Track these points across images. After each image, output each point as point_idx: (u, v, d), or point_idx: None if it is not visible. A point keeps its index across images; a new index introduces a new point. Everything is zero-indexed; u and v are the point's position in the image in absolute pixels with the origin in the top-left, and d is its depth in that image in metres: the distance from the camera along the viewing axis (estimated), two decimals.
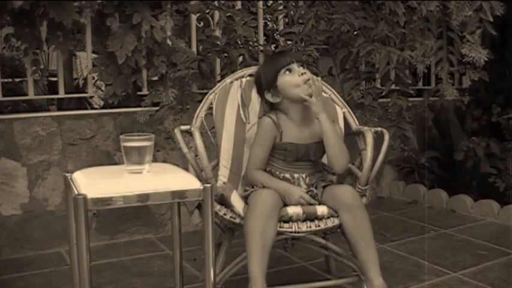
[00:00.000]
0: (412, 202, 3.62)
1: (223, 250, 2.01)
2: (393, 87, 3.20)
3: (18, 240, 2.68)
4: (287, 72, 2.03)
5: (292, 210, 1.91)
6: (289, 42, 3.16)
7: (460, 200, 3.37)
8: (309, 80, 1.99)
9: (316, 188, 2.03)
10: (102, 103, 3.44)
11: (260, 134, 2.05)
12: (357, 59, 3.14)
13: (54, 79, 3.20)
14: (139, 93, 2.91)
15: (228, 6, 3.03)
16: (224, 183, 2.09)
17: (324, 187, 2.02)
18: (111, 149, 2.88)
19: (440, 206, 3.46)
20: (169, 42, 2.77)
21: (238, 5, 3.17)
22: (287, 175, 2.04)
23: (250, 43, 3.09)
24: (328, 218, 1.94)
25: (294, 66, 2.03)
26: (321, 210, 1.94)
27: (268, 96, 2.07)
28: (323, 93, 2.28)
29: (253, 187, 2.00)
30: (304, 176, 2.04)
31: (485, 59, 3.02)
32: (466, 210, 3.32)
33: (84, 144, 2.82)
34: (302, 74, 2.01)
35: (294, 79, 2.01)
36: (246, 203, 1.96)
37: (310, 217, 1.93)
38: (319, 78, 2.02)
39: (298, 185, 2.03)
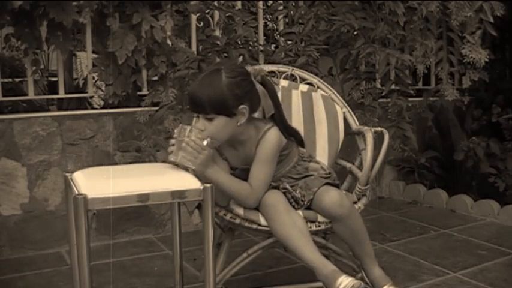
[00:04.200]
0: (412, 202, 3.62)
1: (223, 250, 2.01)
2: (393, 87, 3.20)
3: (18, 240, 2.68)
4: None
5: None
6: (289, 42, 3.16)
7: (460, 200, 3.37)
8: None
9: (302, 188, 1.97)
10: (102, 103, 3.44)
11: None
12: (357, 60, 3.14)
13: (54, 79, 3.20)
14: (139, 93, 2.91)
15: (228, 6, 3.03)
16: None
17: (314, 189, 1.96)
18: (111, 149, 2.88)
19: (440, 206, 3.46)
20: (169, 42, 2.77)
21: (238, 5, 3.17)
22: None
23: (250, 43, 3.09)
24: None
25: (199, 115, 1.83)
26: (323, 218, 1.94)
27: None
28: (323, 92, 2.28)
29: None
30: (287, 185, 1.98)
31: (486, 59, 3.03)
32: (466, 210, 3.32)
33: (84, 144, 2.82)
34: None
35: None
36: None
37: (311, 220, 1.93)
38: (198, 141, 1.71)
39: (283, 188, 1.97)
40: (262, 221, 1.89)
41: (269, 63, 2.89)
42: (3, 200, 2.65)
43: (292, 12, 3.14)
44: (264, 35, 3.38)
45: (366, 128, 2.15)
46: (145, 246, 2.81)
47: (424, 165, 3.64)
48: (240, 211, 1.92)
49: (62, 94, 2.87)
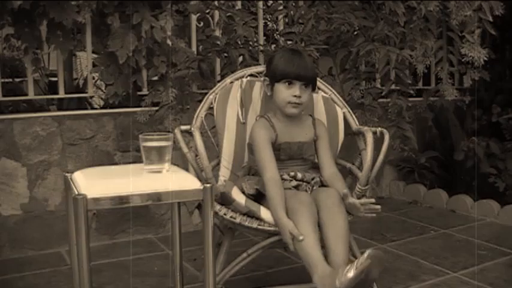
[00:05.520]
0: (412, 202, 3.62)
1: (223, 250, 2.01)
2: (393, 87, 3.20)
3: (18, 240, 2.68)
4: (286, 84, 2.00)
5: None
6: (289, 42, 3.16)
7: (460, 200, 3.37)
8: (298, 104, 1.99)
9: (311, 183, 2.01)
10: (102, 103, 3.44)
11: (261, 136, 2.01)
12: (357, 59, 3.14)
13: (54, 79, 3.20)
14: (139, 93, 2.91)
15: (228, 6, 3.03)
16: (225, 180, 2.10)
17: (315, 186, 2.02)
18: (111, 149, 2.88)
19: (440, 206, 3.46)
20: (169, 42, 2.77)
21: (238, 5, 3.17)
22: (281, 174, 2.01)
23: (250, 43, 3.09)
24: None
25: (296, 83, 1.99)
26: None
27: (265, 81, 2.09)
28: (323, 93, 2.29)
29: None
30: (298, 173, 2.03)
31: (485, 58, 3.03)
32: (466, 210, 3.32)
33: (84, 144, 2.82)
34: (296, 96, 1.98)
35: (286, 94, 1.99)
36: (247, 196, 1.96)
37: None
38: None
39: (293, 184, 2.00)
40: (262, 214, 1.89)
41: None
42: (3, 200, 2.65)
43: (292, 12, 3.14)
44: (264, 35, 3.38)
45: (366, 128, 2.15)
46: (145, 246, 2.81)
47: (424, 165, 3.64)
48: (242, 202, 1.92)
49: (62, 94, 2.87)
